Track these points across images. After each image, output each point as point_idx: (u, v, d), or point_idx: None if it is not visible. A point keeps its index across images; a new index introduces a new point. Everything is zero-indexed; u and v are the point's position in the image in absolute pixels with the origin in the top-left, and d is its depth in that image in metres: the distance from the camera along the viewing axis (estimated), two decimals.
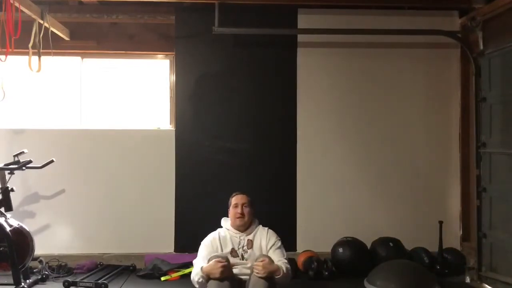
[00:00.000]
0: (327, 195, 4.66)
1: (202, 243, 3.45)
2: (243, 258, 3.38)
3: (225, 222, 3.56)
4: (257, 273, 3.10)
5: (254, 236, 3.45)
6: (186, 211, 4.58)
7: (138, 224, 4.56)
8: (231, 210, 3.50)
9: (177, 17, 4.58)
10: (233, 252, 3.39)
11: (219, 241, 3.41)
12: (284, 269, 3.19)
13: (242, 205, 3.45)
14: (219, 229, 3.53)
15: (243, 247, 3.41)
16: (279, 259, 3.29)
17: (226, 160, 4.60)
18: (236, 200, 3.49)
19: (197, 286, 3.21)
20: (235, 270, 3.28)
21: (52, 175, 4.42)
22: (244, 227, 3.46)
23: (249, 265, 3.30)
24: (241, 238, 3.44)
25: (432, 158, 4.71)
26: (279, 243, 3.43)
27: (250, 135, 4.63)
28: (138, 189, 4.59)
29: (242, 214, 3.43)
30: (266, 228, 3.51)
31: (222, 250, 3.37)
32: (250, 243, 3.42)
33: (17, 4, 3.48)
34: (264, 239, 3.43)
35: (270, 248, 3.39)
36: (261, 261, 3.14)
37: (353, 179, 4.67)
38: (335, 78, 4.68)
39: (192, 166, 4.59)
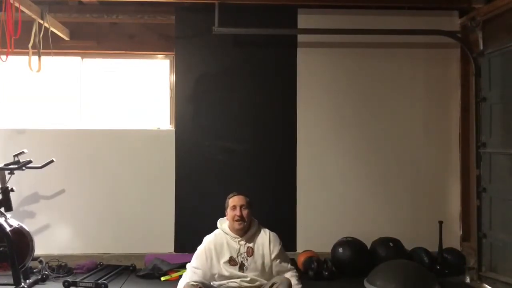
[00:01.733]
0: (327, 195, 4.66)
1: (198, 248, 3.29)
2: (242, 266, 3.21)
3: (222, 224, 3.35)
4: None
5: (255, 243, 3.27)
6: (186, 211, 4.58)
7: (138, 224, 4.56)
8: (229, 212, 3.29)
9: (177, 17, 4.58)
10: (232, 261, 3.21)
11: (215, 250, 3.23)
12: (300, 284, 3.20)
13: (241, 207, 3.25)
14: (215, 232, 3.33)
15: (242, 254, 3.23)
16: (287, 269, 3.25)
17: (226, 160, 4.59)
18: (233, 201, 3.28)
19: None
20: (233, 284, 3.17)
21: (52, 175, 4.42)
22: (243, 231, 3.27)
23: (248, 278, 3.17)
24: (240, 243, 3.25)
25: (432, 158, 4.71)
26: (283, 250, 3.30)
27: (250, 135, 4.63)
28: (138, 189, 4.59)
29: (241, 217, 3.22)
30: (268, 232, 3.32)
31: (218, 260, 3.21)
32: (251, 251, 3.24)
33: (17, 4, 3.48)
34: (267, 246, 3.25)
35: (275, 257, 3.24)
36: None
37: (353, 179, 4.67)
38: (335, 78, 4.68)
39: (192, 166, 4.59)
